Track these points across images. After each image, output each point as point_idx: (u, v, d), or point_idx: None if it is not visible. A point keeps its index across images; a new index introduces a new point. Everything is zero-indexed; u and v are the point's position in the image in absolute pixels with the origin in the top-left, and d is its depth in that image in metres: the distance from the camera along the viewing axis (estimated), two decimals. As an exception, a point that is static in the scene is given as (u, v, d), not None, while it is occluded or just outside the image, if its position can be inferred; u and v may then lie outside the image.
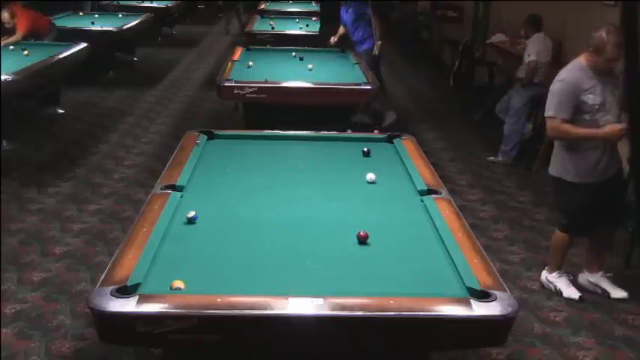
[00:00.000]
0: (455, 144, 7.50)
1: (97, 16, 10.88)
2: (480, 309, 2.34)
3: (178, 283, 2.44)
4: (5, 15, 7.95)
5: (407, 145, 4.28)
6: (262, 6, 13.22)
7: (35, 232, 4.91)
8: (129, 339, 2.45)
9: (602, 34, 3.86)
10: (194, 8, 17.48)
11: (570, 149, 4.07)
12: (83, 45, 7.90)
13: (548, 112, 4.04)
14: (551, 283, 4.35)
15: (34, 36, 8.22)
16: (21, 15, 8.07)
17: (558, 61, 6.73)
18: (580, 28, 6.44)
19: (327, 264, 2.73)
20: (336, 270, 2.69)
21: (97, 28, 9.79)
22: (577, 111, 3.97)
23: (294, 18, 11.18)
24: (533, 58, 6.48)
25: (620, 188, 4.20)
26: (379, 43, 7.96)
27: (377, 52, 7.97)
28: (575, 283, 4.35)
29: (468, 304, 2.36)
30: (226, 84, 6.15)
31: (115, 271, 2.52)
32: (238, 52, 7.65)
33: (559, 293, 4.29)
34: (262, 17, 11.31)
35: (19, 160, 6.39)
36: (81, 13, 10.92)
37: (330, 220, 3.17)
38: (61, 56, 7.35)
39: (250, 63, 7.09)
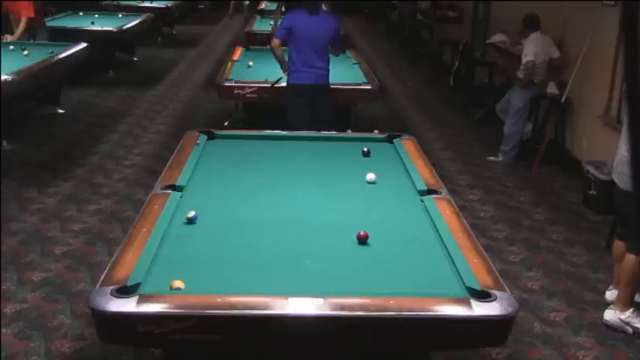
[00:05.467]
0: (455, 144, 7.50)
1: (97, 16, 10.87)
2: (480, 309, 2.34)
3: (178, 283, 2.44)
4: None
5: (407, 145, 4.29)
6: (262, 6, 13.23)
7: (35, 232, 4.91)
8: (129, 339, 2.46)
9: None
10: (194, 8, 17.50)
11: None
12: (83, 45, 7.90)
13: None
14: (628, 324, 3.84)
15: (30, 27, 8.19)
16: (17, 3, 8.05)
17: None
18: (580, 28, 6.45)
19: (327, 264, 2.73)
20: (336, 270, 2.69)
21: (97, 28, 9.78)
22: None
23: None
24: (529, 58, 6.48)
25: None
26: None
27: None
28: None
29: (468, 304, 2.36)
30: (226, 84, 6.16)
31: (115, 271, 2.52)
32: (238, 52, 7.66)
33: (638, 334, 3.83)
34: (262, 17, 11.31)
35: (19, 160, 6.39)
36: (81, 13, 10.91)
37: (330, 220, 3.17)
38: (61, 56, 7.34)
39: (250, 63, 7.09)
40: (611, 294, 4.11)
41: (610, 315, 3.91)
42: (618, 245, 4.02)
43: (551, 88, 6.59)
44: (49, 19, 9.79)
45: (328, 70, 5.86)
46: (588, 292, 4.34)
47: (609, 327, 3.90)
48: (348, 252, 2.84)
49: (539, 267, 4.66)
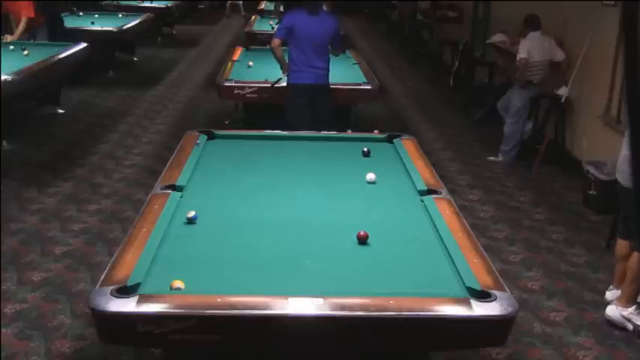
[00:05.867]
0: (455, 144, 7.50)
1: (97, 16, 10.88)
2: (480, 309, 2.33)
3: (178, 283, 2.44)
4: None
5: (407, 145, 4.29)
6: (262, 6, 13.25)
7: (35, 232, 4.91)
8: (129, 339, 2.45)
9: None
10: (194, 8, 17.54)
11: None
12: (83, 45, 7.90)
13: None
14: (629, 320, 3.87)
15: (30, 27, 8.18)
16: (17, 3, 8.04)
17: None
18: (580, 28, 6.45)
19: (327, 264, 2.73)
20: (336, 270, 2.69)
21: (97, 28, 9.79)
22: None
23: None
24: (522, 55, 6.50)
25: None
26: None
27: None
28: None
29: (468, 304, 2.35)
30: (226, 84, 6.16)
31: (115, 271, 2.52)
32: (238, 52, 7.66)
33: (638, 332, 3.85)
34: (262, 17, 11.32)
35: (19, 160, 6.38)
36: (81, 13, 10.92)
37: (330, 220, 3.17)
38: (61, 56, 7.34)
39: (250, 63, 7.10)
40: (611, 294, 4.11)
41: (612, 311, 3.92)
42: (621, 244, 4.03)
43: (562, 91, 6.56)
44: (66, 14, 9.82)
45: (328, 70, 5.86)
46: (588, 292, 4.34)
47: (610, 322, 3.92)
48: (348, 252, 2.84)
49: (539, 267, 4.66)
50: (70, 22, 10.00)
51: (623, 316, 3.88)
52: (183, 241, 2.88)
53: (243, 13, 16.11)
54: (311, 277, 2.61)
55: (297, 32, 5.70)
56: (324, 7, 6.63)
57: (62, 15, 9.44)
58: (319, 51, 5.75)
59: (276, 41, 5.79)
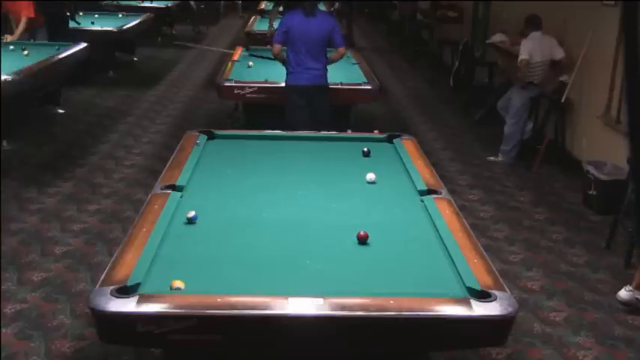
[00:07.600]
0: (455, 144, 7.50)
1: (97, 16, 10.88)
2: (479, 309, 2.34)
3: (178, 283, 2.44)
4: None
5: (407, 145, 4.29)
6: (262, 6, 13.25)
7: (35, 232, 4.91)
8: (129, 339, 2.45)
9: None
10: (194, 8, 17.53)
11: None
12: (83, 45, 7.90)
13: None
14: None
15: (30, 27, 8.18)
16: (17, 3, 8.03)
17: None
18: (580, 28, 6.45)
19: (327, 264, 2.73)
20: (336, 270, 2.69)
21: (97, 28, 9.79)
22: None
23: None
24: (523, 57, 6.51)
25: None
26: None
27: None
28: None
29: (468, 304, 2.36)
30: (226, 84, 6.16)
31: (115, 271, 2.52)
32: (238, 52, 7.66)
33: None
34: (262, 17, 11.32)
35: (19, 160, 6.38)
36: (81, 13, 10.90)
37: (330, 220, 3.17)
38: (61, 56, 7.34)
39: (250, 63, 7.10)
40: (625, 293, 4.14)
41: (627, 295, 4.09)
42: None
43: (564, 78, 6.59)
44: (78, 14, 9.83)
45: (325, 70, 5.85)
46: (588, 292, 4.34)
47: (622, 303, 4.10)
48: (348, 252, 2.84)
49: (539, 267, 4.66)
50: (70, 22, 9.99)
51: (638, 300, 4.06)
52: (183, 241, 2.88)
53: (241, 14, 16.18)
54: (311, 277, 2.61)
55: (293, 34, 5.71)
56: (323, 7, 6.64)
57: (67, 15, 9.43)
58: (314, 51, 5.74)
59: (276, 47, 5.83)
